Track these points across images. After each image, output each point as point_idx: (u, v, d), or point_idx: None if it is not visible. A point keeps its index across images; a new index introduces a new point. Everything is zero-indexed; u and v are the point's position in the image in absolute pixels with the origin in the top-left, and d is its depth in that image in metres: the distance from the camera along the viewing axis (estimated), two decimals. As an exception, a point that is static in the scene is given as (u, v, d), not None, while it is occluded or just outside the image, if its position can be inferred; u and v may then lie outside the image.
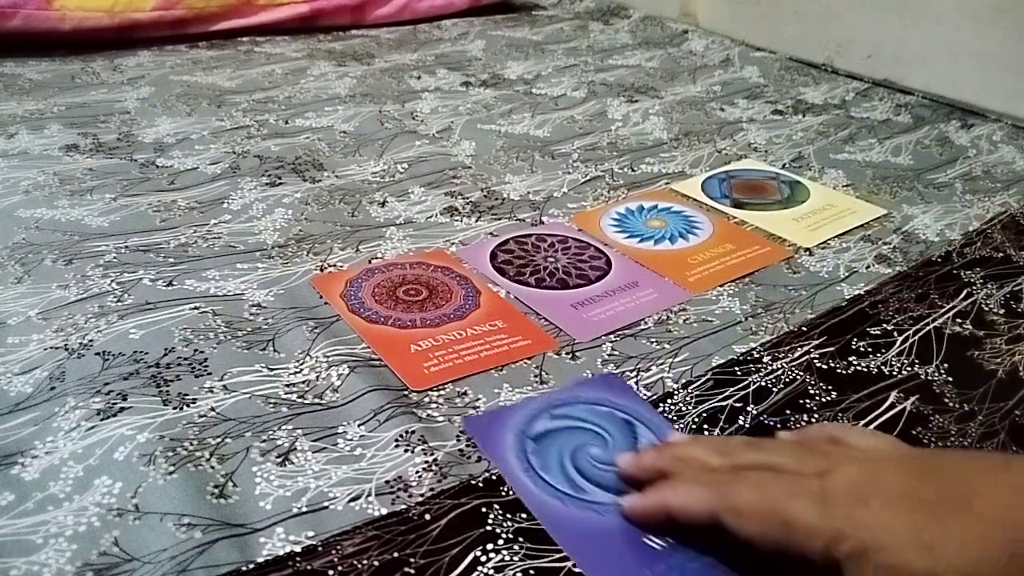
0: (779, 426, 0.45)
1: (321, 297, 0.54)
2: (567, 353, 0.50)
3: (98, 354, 0.47)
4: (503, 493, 0.40)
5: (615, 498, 0.39)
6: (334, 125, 0.83)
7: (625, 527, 0.38)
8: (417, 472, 0.40)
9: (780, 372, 0.49)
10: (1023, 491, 0.31)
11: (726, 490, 0.35)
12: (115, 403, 0.43)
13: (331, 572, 0.35)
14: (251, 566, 0.35)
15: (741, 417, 0.45)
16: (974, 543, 0.29)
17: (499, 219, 0.66)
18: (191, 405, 0.44)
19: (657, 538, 0.37)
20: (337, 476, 0.40)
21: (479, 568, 0.35)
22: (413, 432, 0.43)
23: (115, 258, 0.57)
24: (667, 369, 0.49)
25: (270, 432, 0.42)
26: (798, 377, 0.49)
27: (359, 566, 0.35)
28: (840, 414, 0.46)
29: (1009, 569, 0.29)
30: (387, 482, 0.40)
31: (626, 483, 0.40)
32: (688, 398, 0.46)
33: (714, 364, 0.49)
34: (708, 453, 0.38)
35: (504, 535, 0.37)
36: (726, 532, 0.34)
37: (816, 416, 0.45)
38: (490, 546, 0.37)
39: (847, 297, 0.57)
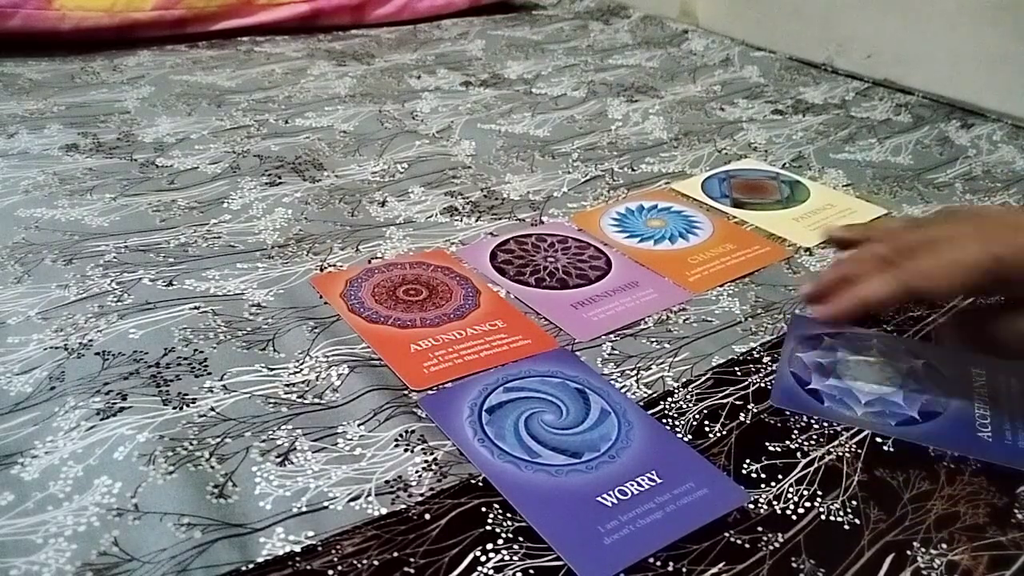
0: (779, 425, 0.45)
1: (321, 297, 0.54)
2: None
3: (98, 354, 0.47)
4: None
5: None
6: (334, 125, 0.83)
7: (578, 487, 0.40)
8: (417, 472, 0.40)
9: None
10: None
11: (908, 266, 0.41)
12: (115, 403, 0.43)
13: (331, 572, 0.35)
14: (251, 566, 0.35)
15: (742, 415, 0.45)
16: None
17: (499, 219, 0.66)
18: (191, 405, 0.44)
19: (610, 495, 0.39)
20: (337, 476, 0.40)
21: (479, 568, 0.35)
22: (413, 432, 0.43)
23: (115, 258, 0.57)
24: (667, 368, 0.49)
25: (270, 432, 0.42)
26: (798, 377, 0.49)
27: (359, 566, 0.35)
28: (840, 414, 0.46)
29: None
30: (387, 482, 0.40)
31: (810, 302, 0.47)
32: (689, 396, 0.46)
33: (714, 364, 0.49)
34: (878, 247, 0.44)
35: (504, 535, 0.37)
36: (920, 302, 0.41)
37: (816, 418, 0.46)
38: (490, 546, 0.37)
39: (847, 297, 0.57)
